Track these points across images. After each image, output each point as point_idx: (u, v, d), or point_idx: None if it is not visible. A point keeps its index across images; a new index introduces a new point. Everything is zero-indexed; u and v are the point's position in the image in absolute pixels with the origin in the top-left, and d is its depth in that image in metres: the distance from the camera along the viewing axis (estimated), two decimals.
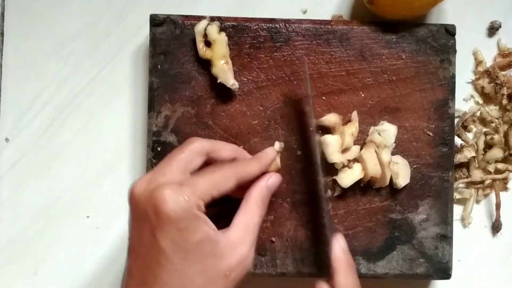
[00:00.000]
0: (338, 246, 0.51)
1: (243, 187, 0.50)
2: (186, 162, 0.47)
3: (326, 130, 0.57)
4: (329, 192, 0.57)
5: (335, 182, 0.57)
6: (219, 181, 0.47)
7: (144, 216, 0.44)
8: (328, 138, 0.56)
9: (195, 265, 0.44)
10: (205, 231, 0.45)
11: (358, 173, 0.56)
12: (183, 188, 0.44)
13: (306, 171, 0.57)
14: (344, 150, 0.56)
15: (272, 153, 0.54)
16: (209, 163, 0.50)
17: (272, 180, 0.52)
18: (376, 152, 0.56)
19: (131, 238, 0.47)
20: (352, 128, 0.56)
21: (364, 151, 0.56)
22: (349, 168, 0.56)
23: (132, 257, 0.46)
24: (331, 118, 0.57)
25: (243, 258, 0.47)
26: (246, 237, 0.48)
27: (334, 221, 0.57)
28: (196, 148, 0.49)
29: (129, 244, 0.47)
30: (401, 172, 0.57)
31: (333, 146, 0.55)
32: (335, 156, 0.55)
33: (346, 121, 0.58)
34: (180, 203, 0.44)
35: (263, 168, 0.52)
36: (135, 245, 0.46)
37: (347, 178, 0.56)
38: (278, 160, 0.55)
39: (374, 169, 0.55)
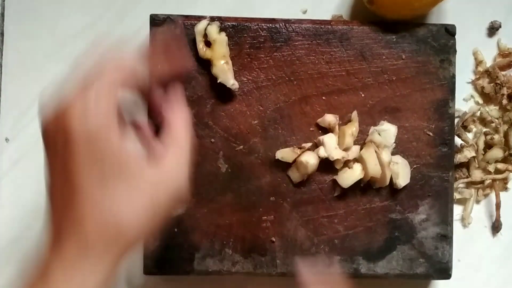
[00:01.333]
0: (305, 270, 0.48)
1: None
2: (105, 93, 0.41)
3: (326, 130, 0.57)
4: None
5: (335, 182, 0.57)
6: (122, 64, 0.42)
7: (54, 148, 0.41)
8: (325, 138, 0.56)
9: (119, 186, 0.39)
10: (125, 154, 0.40)
11: (358, 173, 0.56)
12: (86, 99, 0.40)
13: None
14: (345, 150, 0.56)
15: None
16: None
17: (187, 113, 0.46)
18: (376, 152, 0.56)
19: (47, 176, 0.42)
20: (352, 128, 0.57)
21: (364, 151, 0.56)
22: (349, 168, 0.56)
23: (50, 196, 0.41)
24: (327, 119, 0.57)
25: (180, 186, 0.42)
26: (182, 169, 0.43)
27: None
28: (113, 76, 0.42)
29: (47, 181, 0.42)
30: (401, 172, 0.57)
31: (330, 144, 0.56)
32: (334, 152, 0.55)
33: (346, 121, 0.58)
34: (88, 123, 0.39)
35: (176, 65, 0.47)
36: (51, 182, 0.41)
37: (347, 178, 0.56)
38: None
39: (374, 169, 0.55)
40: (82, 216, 0.39)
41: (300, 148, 0.57)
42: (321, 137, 0.57)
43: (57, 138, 0.40)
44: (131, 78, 0.43)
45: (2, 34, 0.62)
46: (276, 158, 0.57)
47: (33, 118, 0.62)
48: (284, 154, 0.57)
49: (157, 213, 0.41)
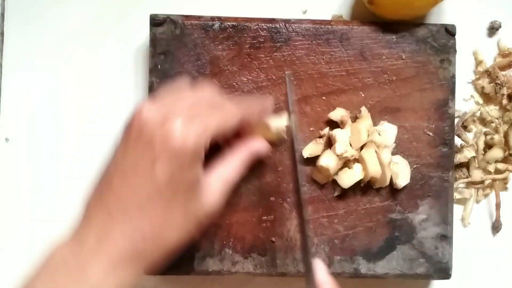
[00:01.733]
0: (322, 270, 0.49)
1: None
2: (196, 101, 0.46)
3: (337, 125, 0.57)
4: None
5: (335, 182, 0.57)
6: (226, 117, 0.46)
7: (148, 143, 0.43)
8: (337, 132, 0.56)
9: (180, 204, 0.44)
10: (200, 174, 0.45)
11: (359, 173, 0.56)
12: (195, 124, 0.43)
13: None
14: (362, 146, 0.57)
15: (271, 100, 0.53)
16: None
17: (262, 146, 0.52)
18: (376, 152, 0.56)
19: (122, 161, 0.44)
20: (366, 123, 0.56)
21: (364, 151, 0.56)
22: (349, 168, 0.56)
23: (118, 180, 0.43)
24: (338, 113, 0.57)
25: (214, 205, 0.47)
26: (224, 189, 0.48)
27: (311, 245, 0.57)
28: (206, 98, 0.47)
29: (117, 166, 0.44)
30: (401, 172, 0.57)
31: (342, 141, 0.55)
32: (343, 149, 0.55)
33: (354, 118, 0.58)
34: (191, 139, 0.42)
35: (263, 108, 0.51)
36: (127, 168, 0.43)
37: (347, 178, 0.56)
38: (280, 129, 0.54)
39: (374, 169, 0.55)
40: (142, 216, 0.42)
41: (320, 137, 0.57)
42: (333, 132, 0.56)
43: (156, 137, 0.42)
44: (228, 131, 0.47)
45: (2, 34, 0.62)
46: (305, 157, 0.56)
47: (33, 118, 0.62)
48: (311, 150, 0.56)
49: (197, 229, 0.46)
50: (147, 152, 0.43)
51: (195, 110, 0.45)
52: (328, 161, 0.55)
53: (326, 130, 0.57)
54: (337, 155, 0.55)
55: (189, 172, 0.44)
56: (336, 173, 0.57)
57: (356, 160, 0.56)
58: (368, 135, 0.56)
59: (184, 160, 0.43)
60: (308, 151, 0.57)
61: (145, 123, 0.43)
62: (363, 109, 0.57)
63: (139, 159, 0.43)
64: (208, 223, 0.48)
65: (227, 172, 0.49)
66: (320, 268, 0.49)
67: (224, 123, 0.46)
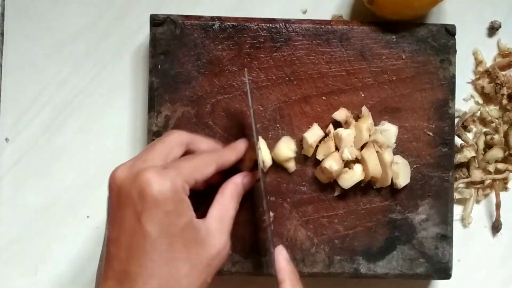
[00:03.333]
0: (282, 257, 0.50)
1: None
2: (167, 152, 0.47)
3: (340, 125, 0.57)
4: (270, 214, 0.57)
5: (335, 182, 0.57)
6: (200, 165, 0.47)
7: (128, 202, 0.43)
8: (342, 132, 0.56)
9: (180, 252, 0.43)
10: (190, 216, 0.45)
11: (359, 174, 0.56)
12: (168, 170, 0.44)
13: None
14: (363, 146, 0.56)
15: (244, 143, 0.54)
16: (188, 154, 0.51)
17: (247, 178, 0.53)
18: (378, 152, 0.56)
19: (111, 227, 0.44)
20: (367, 122, 0.56)
21: (365, 151, 0.56)
22: (349, 168, 0.56)
23: (112, 247, 0.44)
24: (342, 113, 0.57)
25: (222, 247, 0.47)
26: (223, 227, 0.48)
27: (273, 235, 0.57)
28: (176, 139, 0.49)
29: (108, 234, 0.44)
30: (401, 172, 0.57)
31: (347, 141, 0.56)
32: (350, 155, 0.55)
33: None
34: (167, 184, 0.43)
35: (238, 155, 0.53)
36: (117, 234, 0.43)
37: (348, 179, 0.56)
38: (260, 155, 0.54)
39: (375, 169, 0.55)
40: (148, 275, 0.42)
41: (326, 135, 0.57)
42: (338, 131, 0.56)
43: (132, 194, 0.43)
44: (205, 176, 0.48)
45: (2, 34, 0.62)
46: (320, 159, 0.56)
47: (33, 118, 0.62)
48: (324, 151, 0.56)
49: (210, 273, 0.46)
50: (129, 211, 0.43)
51: (166, 156, 0.47)
52: (332, 163, 0.55)
53: (330, 128, 0.57)
54: (343, 160, 0.55)
55: (178, 217, 0.43)
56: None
57: (357, 160, 0.56)
58: (370, 135, 0.56)
59: (168, 207, 0.43)
60: (321, 153, 0.56)
61: (119, 185, 0.44)
62: (364, 109, 0.57)
63: (125, 220, 0.43)
64: (220, 266, 0.47)
65: (221, 210, 0.49)
66: (280, 255, 0.50)
67: (198, 168, 0.47)
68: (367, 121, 0.57)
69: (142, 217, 0.42)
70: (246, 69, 0.57)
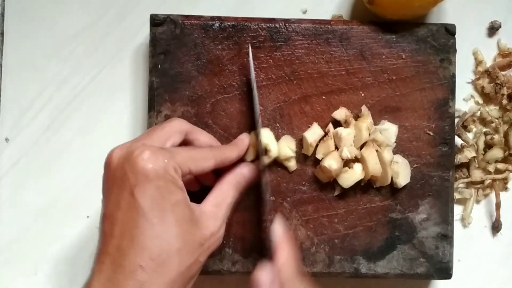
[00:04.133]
0: (278, 225, 0.51)
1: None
2: (165, 137, 0.48)
3: (339, 124, 0.57)
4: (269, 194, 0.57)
5: (335, 181, 0.57)
6: (198, 158, 0.48)
7: (122, 178, 0.44)
8: (342, 131, 0.56)
9: (172, 227, 0.44)
10: (182, 195, 0.45)
11: (359, 173, 0.56)
12: (162, 151, 0.45)
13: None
14: (362, 145, 0.57)
15: (246, 139, 0.55)
16: (186, 145, 0.51)
17: (248, 168, 0.53)
18: (377, 151, 0.56)
19: (106, 205, 0.45)
20: (367, 121, 0.56)
21: (364, 150, 0.56)
22: (349, 168, 0.56)
23: (107, 224, 0.44)
24: (342, 112, 0.57)
25: (215, 230, 0.48)
26: (218, 212, 0.49)
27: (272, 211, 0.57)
28: (176, 126, 0.50)
29: (104, 211, 0.45)
30: (401, 172, 0.57)
31: (346, 140, 0.56)
32: (350, 154, 0.55)
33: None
34: (159, 162, 0.44)
35: (240, 153, 0.54)
36: (111, 211, 0.44)
37: (348, 178, 0.56)
38: (261, 146, 0.54)
39: (374, 168, 0.55)
40: (140, 248, 0.43)
41: (326, 134, 0.57)
42: (338, 130, 0.56)
43: (127, 170, 0.44)
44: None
45: (2, 34, 0.62)
46: (320, 158, 0.56)
47: (33, 118, 0.62)
48: (323, 150, 0.57)
49: (201, 254, 0.47)
50: (123, 186, 0.44)
51: (163, 140, 0.48)
52: (331, 162, 0.55)
53: (330, 127, 0.57)
54: (342, 159, 0.55)
55: (169, 193, 0.44)
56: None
57: (356, 160, 0.56)
58: (370, 134, 0.56)
59: (160, 182, 0.44)
60: (320, 152, 0.56)
61: (115, 163, 0.45)
62: (364, 108, 0.57)
63: (119, 196, 0.44)
64: (214, 248, 0.48)
65: (219, 196, 0.50)
66: (276, 224, 0.51)
67: (195, 159, 0.47)
68: (366, 120, 0.57)
69: (134, 190, 0.43)
70: (249, 46, 0.57)
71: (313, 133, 0.57)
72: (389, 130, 0.57)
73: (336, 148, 0.57)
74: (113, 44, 0.63)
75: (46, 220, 0.62)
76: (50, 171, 0.62)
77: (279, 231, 0.50)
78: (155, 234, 0.43)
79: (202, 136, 0.52)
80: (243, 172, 0.53)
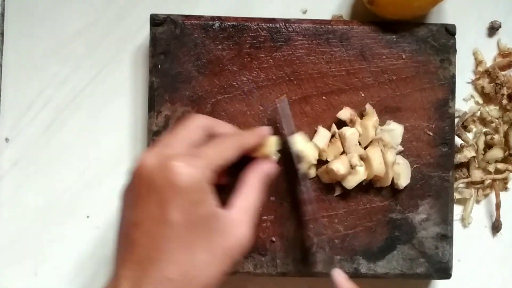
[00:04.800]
0: (341, 277, 0.52)
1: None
2: (189, 136, 0.48)
3: (343, 124, 0.57)
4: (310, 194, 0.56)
5: (336, 182, 0.57)
6: (224, 150, 0.47)
7: (154, 189, 0.43)
8: (346, 131, 0.56)
9: (201, 240, 0.44)
10: (213, 205, 0.45)
11: (362, 173, 0.56)
12: (195, 159, 0.44)
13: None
14: (369, 144, 0.57)
15: (266, 129, 0.53)
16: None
17: (271, 167, 0.52)
18: (381, 151, 0.56)
19: (136, 212, 0.45)
20: (372, 119, 0.56)
21: (370, 149, 0.56)
22: (352, 168, 0.56)
23: (135, 232, 0.44)
24: (346, 112, 0.57)
25: (243, 238, 0.47)
26: (246, 218, 0.48)
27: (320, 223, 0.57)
28: (198, 123, 0.49)
29: (132, 218, 0.45)
30: (403, 173, 0.56)
31: (351, 140, 0.55)
32: (356, 156, 0.55)
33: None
34: (194, 174, 0.43)
35: (259, 139, 0.52)
36: (141, 219, 0.44)
37: (351, 179, 0.56)
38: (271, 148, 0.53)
39: (379, 168, 0.55)
40: (168, 261, 0.43)
41: (333, 136, 0.57)
42: (343, 130, 0.56)
43: (159, 182, 0.43)
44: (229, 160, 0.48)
45: (2, 34, 0.62)
46: (329, 160, 0.56)
47: (33, 118, 0.62)
48: (333, 152, 0.56)
49: (228, 264, 0.46)
50: (155, 198, 0.43)
51: (189, 141, 0.47)
52: (340, 167, 0.55)
53: (334, 128, 0.57)
54: (351, 165, 0.55)
55: (202, 207, 0.44)
56: None
57: (361, 158, 0.56)
58: (376, 133, 0.56)
59: (193, 196, 0.43)
60: (331, 154, 0.56)
61: (146, 171, 0.44)
62: (368, 106, 0.57)
63: (151, 207, 0.44)
64: (241, 256, 0.47)
65: (246, 201, 0.49)
66: (339, 276, 0.52)
67: (222, 156, 0.47)
68: (372, 118, 0.56)
69: (167, 205, 0.43)
70: (285, 96, 0.57)
71: (322, 137, 0.57)
72: (395, 131, 0.57)
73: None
74: (113, 44, 0.63)
75: (46, 220, 0.62)
76: (50, 171, 0.62)
77: (343, 281, 0.51)
78: (183, 248, 0.43)
79: (223, 128, 0.52)
80: (267, 170, 0.52)
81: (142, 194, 0.44)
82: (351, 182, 0.56)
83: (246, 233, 0.47)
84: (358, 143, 0.56)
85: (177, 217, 0.43)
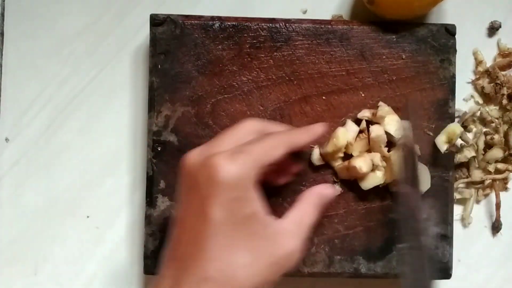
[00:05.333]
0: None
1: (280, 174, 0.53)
2: (238, 138, 0.47)
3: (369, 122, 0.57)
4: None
5: (335, 181, 0.57)
6: (269, 148, 0.45)
7: (195, 186, 0.43)
8: (376, 129, 0.55)
9: (242, 241, 0.42)
10: (256, 207, 0.43)
11: (380, 177, 0.55)
12: (237, 155, 0.43)
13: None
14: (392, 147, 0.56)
15: (321, 127, 0.52)
16: None
17: (331, 190, 0.51)
18: None
19: (179, 210, 0.45)
20: (394, 117, 0.56)
21: (393, 153, 0.55)
22: (372, 171, 0.56)
23: (177, 229, 0.44)
24: (365, 113, 0.57)
25: (292, 251, 0.45)
26: (298, 231, 0.46)
27: None
28: (248, 127, 0.48)
29: (176, 215, 0.45)
30: (422, 178, 0.56)
31: (379, 139, 0.55)
32: (377, 149, 0.55)
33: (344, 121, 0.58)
34: (234, 170, 0.42)
35: (311, 138, 0.50)
36: (183, 216, 0.44)
37: (369, 181, 0.55)
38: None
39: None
40: (206, 258, 0.42)
41: (361, 132, 0.56)
42: (374, 128, 0.55)
43: (200, 178, 0.43)
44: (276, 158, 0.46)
45: (2, 34, 0.62)
46: (355, 155, 0.56)
47: (33, 118, 0.62)
48: (360, 147, 0.56)
49: (273, 273, 0.44)
50: (196, 195, 0.43)
51: (237, 143, 0.46)
52: (362, 165, 0.54)
53: (363, 125, 0.56)
54: (373, 164, 0.55)
55: (245, 205, 0.43)
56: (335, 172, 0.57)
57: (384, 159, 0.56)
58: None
59: (235, 193, 0.42)
60: (357, 150, 0.56)
61: (189, 169, 0.44)
62: (382, 104, 0.57)
63: (192, 204, 0.43)
64: (289, 269, 0.45)
65: (300, 216, 0.48)
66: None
67: (268, 153, 0.45)
68: (395, 114, 0.56)
69: (207, 201, 0.42)
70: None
71: (350, 131, 0.56)
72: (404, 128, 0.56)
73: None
74: (113, 44, 0.63)
75: (46, 220, 0.62)
76: (50, 171, 0.62)
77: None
78: (223, 246, 0.42)
79: (275, 129, 0.50)
80: (327, 193, 0.51)
81: (185, 192, 0.45)
82: (367, 184, 0.55)
83: (296, 246, 0.46)
84: (383, 145, 0.56)
85: (218, 214, 0.42)
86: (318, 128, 0.51)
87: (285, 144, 0.47)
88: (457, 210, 0.62)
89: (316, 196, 0.50)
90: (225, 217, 0.42)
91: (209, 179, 0.42)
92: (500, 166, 0.62)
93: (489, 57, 0.64)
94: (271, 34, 0.58)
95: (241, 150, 0.44)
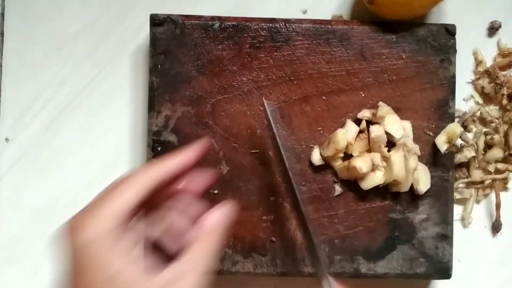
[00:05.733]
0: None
1: None
2: (119, 206, 0.42)
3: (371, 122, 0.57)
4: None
5: (335, 181, 0.57)
6: (120, 194, 0.42)
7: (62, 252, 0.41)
8: (376, 129, 0.55)
9: None
10: (118, 266, 0.39)
11: (380, 177, 0.56)
12: (83, 216, 0.41)
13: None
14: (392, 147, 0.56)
15: (204, 144, 0.47)
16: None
17: (231, 209, 0.46)
18: (405, 156, 0.55)
19: None
20: (395, 116, 0.56)
21: (393, 153, 0.55)
22: (372, 171, 0.56)
23: None
24: (365, 113, 0.57)
25: None
26: (195, 266, 0.41)
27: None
28: (135, 183, 0.43)
29: None
30: (422, 178, 0.56)
31: (379, 139, 0.55)
32: (377, 149, 0.55)
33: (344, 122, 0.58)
34: (81, 237, 0.40)
35: (184, 160, 0.45)
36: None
37: (369, 181, 0.56)
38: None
39: (399, 173, 0.55)
40: None
41: (361, 132, 0.56)
42: (373, 128, 0.56)
43: (63, 249, 0.42)
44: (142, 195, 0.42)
45: (2, 34, 0.62)
46: (355, 155, 0.56)
47: (33, 118, 0.62)
48: (360, 147, 0.56)
49: None
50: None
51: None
52: (362, 165, 0.55)
53: (363, 125, 0.57)
54: (373, 164, 0.55)
55: (102, 269, 0.39)
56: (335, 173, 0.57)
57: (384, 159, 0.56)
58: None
59: (88, 259, 0.39)
60: (357, 150, 0.56)
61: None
62: (382, 104, 0.57)
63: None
64: None
65: (199, 248, 0.43)
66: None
67: (123, 200, 0.41)
68: (394, 116, 0.56)
69: (73, 275, 0.42)
70: (264, 99, 0.56)
71: (350, 131, 0.56)
72: (405, 128, 0.57)
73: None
74: (113, 44, 0.63)
75: (46, 220, 0.61)
76: (50, 171, 0.62)
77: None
78: None
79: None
80: (228, 214, 0.45)
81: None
82: (367, 184, 0.56)
83: (190, 283, 0.40)
84: (383, 145, 0.56)
85: (82, 285, 0.39)
86: (197, 147, 0.46)
87: (143, 182, 0.42)
88: (457, 210, 0.62)
89: (220, 223, 0.44)
90: (87, 285, 0.39)
91: (64, 251, 0.41)
92: (500, 166, 0.62)
93: (489, 57, 0.64)
94: (271, 34, 0.58)
95: (89, 208, 0.42)
